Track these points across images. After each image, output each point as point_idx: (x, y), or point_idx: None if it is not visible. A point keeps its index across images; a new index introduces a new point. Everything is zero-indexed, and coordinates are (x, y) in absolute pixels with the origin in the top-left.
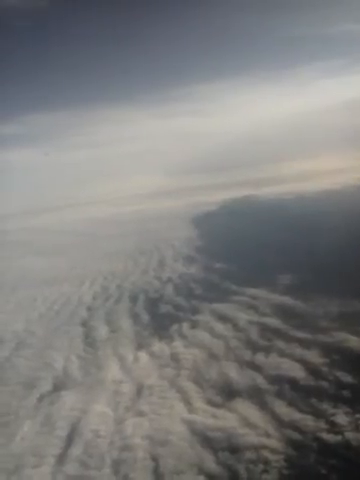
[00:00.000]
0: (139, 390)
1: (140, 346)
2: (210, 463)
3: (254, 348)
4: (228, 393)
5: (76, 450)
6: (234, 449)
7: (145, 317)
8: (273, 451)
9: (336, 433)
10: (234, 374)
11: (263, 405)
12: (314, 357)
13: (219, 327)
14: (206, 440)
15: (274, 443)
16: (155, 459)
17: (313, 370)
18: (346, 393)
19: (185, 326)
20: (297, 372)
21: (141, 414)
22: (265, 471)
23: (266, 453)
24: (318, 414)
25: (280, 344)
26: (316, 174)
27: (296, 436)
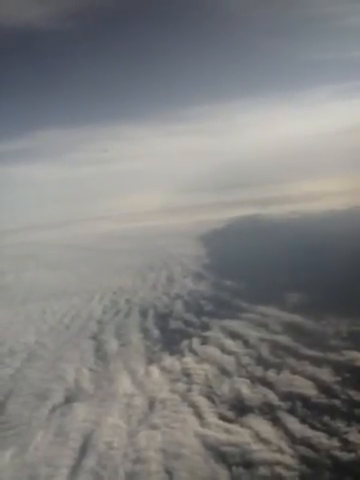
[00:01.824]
0: (151, 404)
1: (151, 360)
2: (224, 478)
3: (265, 365)
4: (240, 409)
5: (90, 461)
6: (248, 464)
7: (155, 332)
8: (287, 467)
9: (349, 451)
10: (246, 390)
11: (276, 421)
12: (325, 375)
13: (230, 343)
14: (219, 455)
15: (288, 459)
16: (169, 472)
17: (325, 388)
18: (358, 412)
19: (195, 342)
20: (309, 390)
21: (154, 427)
22: None
23: (280, 469)
24: (331, 432)
25: (291, 361)
26: (323, 195)
27: (310, 453)
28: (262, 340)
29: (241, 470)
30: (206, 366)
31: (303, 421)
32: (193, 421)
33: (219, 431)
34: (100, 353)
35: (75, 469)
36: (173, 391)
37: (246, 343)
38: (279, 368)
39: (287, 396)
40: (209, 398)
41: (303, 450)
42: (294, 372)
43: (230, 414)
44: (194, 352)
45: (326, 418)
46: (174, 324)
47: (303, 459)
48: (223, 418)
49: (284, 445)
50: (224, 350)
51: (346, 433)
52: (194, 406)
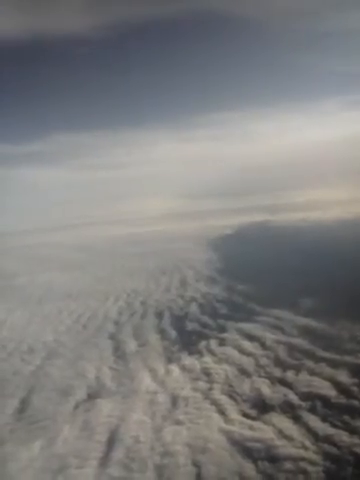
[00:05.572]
0: (174, 401)
1: (170, 360)
2: (251, 471)
3: (284, 366)
4: (262, 407)
5: (118, 454)
6: (273, 459)
7: (172, 333)
8: (312, 463)
9: None
10: (266, 389)
11: (297, 419)
12: (343, 377)
13: (247, 345)
14: (245, 450)
15: (312, 455)
16: (197, 465)
17: (343, 389)
18: None
19: (213, 343)
20: (328, 390)
21: (179, 423)
22: None
23: (305, 465)
24: (352, 430)
25: (309, 363)
26: (332, 203)
27: (332, 450)
28: (278, 342)
29: (267, 464)
30: (225, 366)
31: (324, 420)
32: (217, 418)
33: (243, 427)
34: (119, 352)
35: (104, 461)
36: (195, 389)
37: (263, 345)
38: (297, 369)
39: (307, 396)
40: (231, 396)
41: (326, 447)
42: (312, 373)
43: (252, 412)
44: (212, 353)
45: (346, 417)
46: (190, 326)
47: (326, 455)
48: (246, 415)
49: (307, 442)
50: (242, 351)
51: None
52: (216, 404)
